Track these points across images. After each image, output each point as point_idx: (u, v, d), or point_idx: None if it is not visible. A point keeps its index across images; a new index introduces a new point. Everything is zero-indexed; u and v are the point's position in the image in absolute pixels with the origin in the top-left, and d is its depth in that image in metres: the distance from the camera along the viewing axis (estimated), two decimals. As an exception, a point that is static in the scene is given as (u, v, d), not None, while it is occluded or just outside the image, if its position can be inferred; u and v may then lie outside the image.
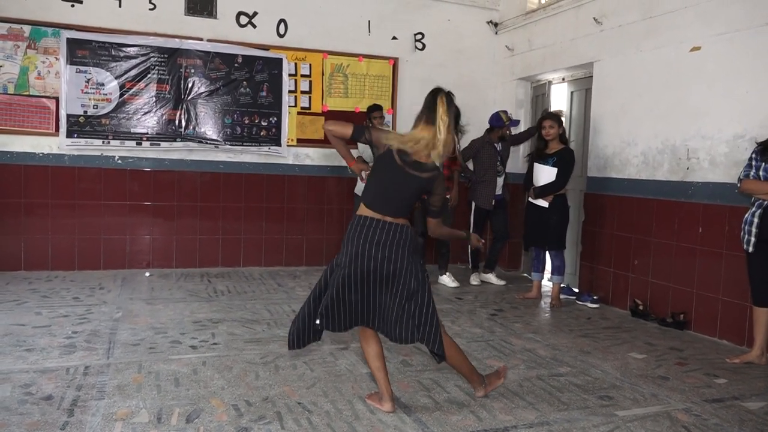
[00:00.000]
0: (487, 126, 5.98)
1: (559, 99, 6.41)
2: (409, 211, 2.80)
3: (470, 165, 6.09)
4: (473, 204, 5.94)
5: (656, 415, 2.91)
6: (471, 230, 5.95)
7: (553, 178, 5.05)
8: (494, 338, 4.14)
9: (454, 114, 2.77)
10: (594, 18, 5.45)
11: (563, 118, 5.33)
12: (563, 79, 6.31)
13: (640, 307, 4.86)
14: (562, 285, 5.37)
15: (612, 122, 5.31)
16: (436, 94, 2.73)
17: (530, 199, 5.29)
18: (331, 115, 6.48)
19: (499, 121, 5.79)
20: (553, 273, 5.31)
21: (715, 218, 4.34)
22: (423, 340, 2.68)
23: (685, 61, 4.59)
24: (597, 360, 3.74)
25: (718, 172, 4.33)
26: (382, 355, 2.87)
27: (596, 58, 5.49)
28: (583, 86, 5.97)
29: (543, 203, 5.13)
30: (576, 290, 5.64)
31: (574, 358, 3.75)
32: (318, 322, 2.66)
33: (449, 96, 2.74)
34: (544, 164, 5.11)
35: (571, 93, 6.21)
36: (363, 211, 2.72)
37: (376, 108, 5.93)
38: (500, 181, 5.92)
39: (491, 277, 6.08)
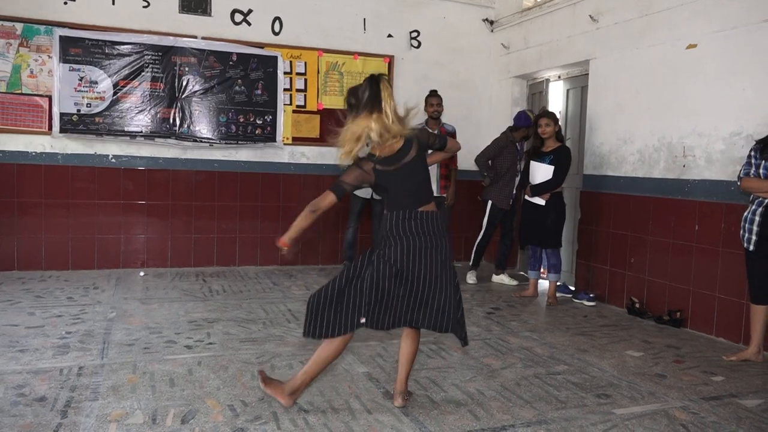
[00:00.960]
0: (506, 125, 5.97)
1: (556, 97, 6.40)
2: (432, 192, 2.84)
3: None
4: (489, 203, 5.89)
5: (654, 413, 2.90)
6: (484, 230, 5.93)
7: (550, 176, 5.04)
8: (491, 337, 4.13)
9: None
10: (590, 15, 5.44)
11: (559, 117, 5.31)
12: (559, 76, 6.30)
13: (637, 305, 4.86)
14: (558, 283, 5.36)
15: (608, 120, 5.30)
16: (377, 80, 2.67)
17: (527, 197, 5.27)
18: (326, 114, 6.46)
19: (527, 121, 5.70)
20: (549, 271, 5.30)
21: (711, 216, 4.34)
22: (456, 331, 2.79)
23: (681, 58, 4.58)
24: (594, 358, 3.73)
25: (714, 170, 4.33)
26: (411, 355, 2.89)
27: (592, 55, 5.48)
28: (579, 84, 5.96)
29: (540, 201, 5.12)
30: (572, 288, 5.64)
31: (571, 357, 3.74)
32: (363, 321, 2.65)
33: (385, 79, 2.72)
34: (540, 162, 5.10)
35: (567, 91, 6.20)
36: (400, 208, 2.73)
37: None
38: (516, 180, 5.89)
39: (504, 278, 6.04)
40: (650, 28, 4.86)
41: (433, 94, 5.77)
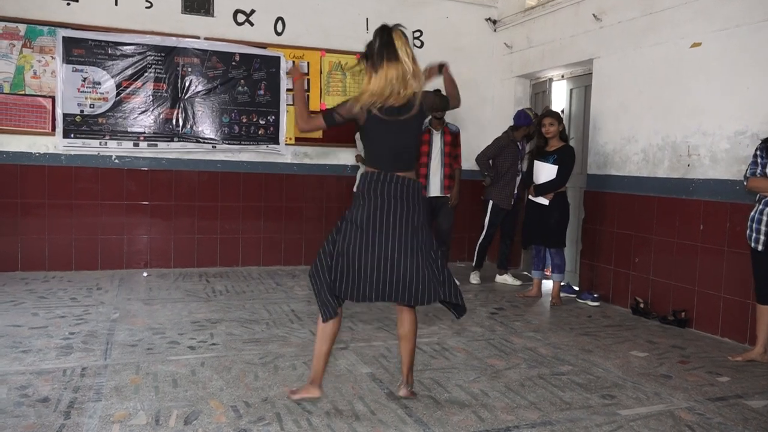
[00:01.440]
0: (505, 125, 5.95)
1: (559, 96, 6.39)
2: (414, 160, 2.80)
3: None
4: (490, 203, 5.87)
5: (659, 414, 2.88)
6: (485, 230, 5.91)
7: (554, 176, 5.02)
8: (495, 337, 4.11)
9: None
10: (593, 14, 5.42)
11: (562, 117, 5.30)
12: (562, 76, 6.28)
13: (641, 305, 4.84)
14: (562, 283, 5.35)
15: (612, 119, 5.28)
16: (388, 30, 2.64)
17: (530, 197, 5.26)
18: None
19: (527, 119, 5.70)
20: (553, 271, 5.28)
21: (716, 215, 4.32)
22: (447, 296, 2.74)
23: (685, 57, 4.56)
24: (599, 358, 3.71)
25: (719, 169, 4.30)
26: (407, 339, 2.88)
27: (596, 54, 5.46)
28: (583, 83, 5.94)
29: (543, 201, 5.11)
30: (576, 288, 5.62)
31: (575, 357, 3.72)
32: (338, 295, 2.66)
33: (401, 29, 2.68)
34: (544, 162, 5.09)
35: (571, 90, 6.18)
36: (373, 169, 2.70)
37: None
38: (518, 180, 5.87)
39: (507, 278, 6.02)
40: (654, 27, 4.84)
41: (436, 94, 5.74)
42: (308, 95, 6.44)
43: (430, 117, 5.77)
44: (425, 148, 5.70)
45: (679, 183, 4.61)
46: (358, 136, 5.39)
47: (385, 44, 2.62)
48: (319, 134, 6.46)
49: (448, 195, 5.76)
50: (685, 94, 4.57)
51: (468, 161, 6.32)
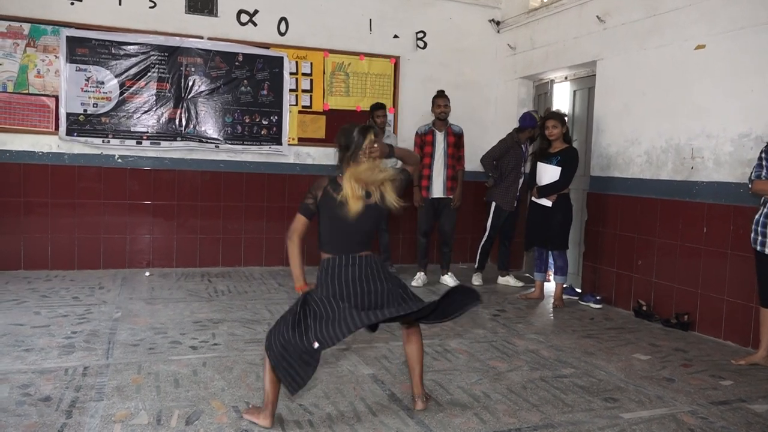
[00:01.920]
0: (512, 126, 5.96)
1: (562, 98, 6.37)
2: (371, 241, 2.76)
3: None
4: (493, 204, 5.86)
5: (662, 418, 2.87)
6: (488, 231, 5.90)
7: (557, 178, 5.01)
8: (497, 339, 4.10)
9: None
10: (597, 16, 5.41)
11: (566, 118, 5.28)
12: (566, 77, 6.27)
13: (644, 308, 4.82)
14: (564, 285, 5.33)
15: (615, 121, 5.27)
16: (364, 132, 2.66)
17: (533, 199, 5.25)
18: (332, 114, 6.46)
19: (532, 121, 5.69)
20: (556, 273, 5.27)
21: (720, 218, 4.30)
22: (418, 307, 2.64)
23: (689, 59, 4.55)
24: (601, 361, 3.70)
25: (723, 172, 4.29)
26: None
27: (599, 56, 5.45)
28: (586, 85, 5.93)
29: (546, 203, 5.10)
30: (579, 290, 5.60)
31: (577, 360, 3.71)
32: (316, 345, 2.43)
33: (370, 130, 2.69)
34: (547, 163, 5.08)
35: (574, 92, 6.17)
36: (335, 253, 2.65)
37: (378, 107, 5.92)
38: (521, 182, 5.87)
39: (509, 279, 6.01)
40: (658, 29, 4.83)
41: (441, 94, 5.76)
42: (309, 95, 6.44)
43: (434, 118, 5.77)
44: (428, 149, 5.70)
45: (683, 185, 4.59)
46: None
47: (359, 146, 2.63)
48: (321, 135, 6.46)
49: (451, 196, 5.75)
50: (689, 97, 4.56)
51: (471, 162, 6.31)
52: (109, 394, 2.87)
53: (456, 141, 5.76)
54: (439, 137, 5.69)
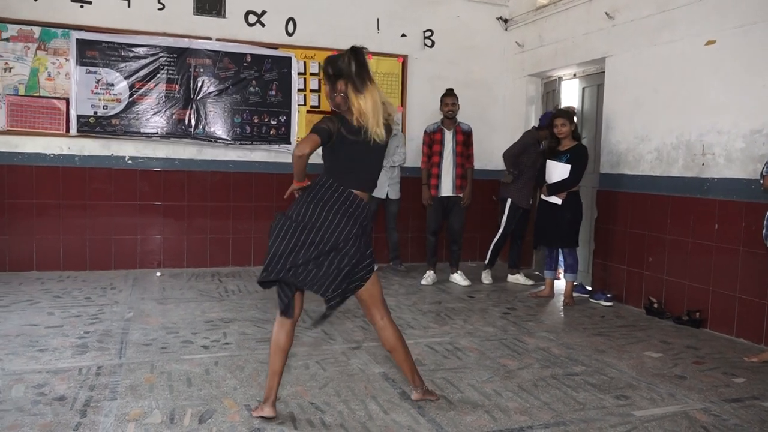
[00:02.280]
0: (534, 124, 5.96)
1: (570, 95, 6.35)
2: (374, 187, 2.77)
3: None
4: (508, 201, 5.83)
5: (674, 415, 2.86)
6: (503, 229, 5.87)
7: (566, 175, 5.00)
8: (507, 337, 4.10)
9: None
10: (606, 13, 5.38)
11: (575, 116, 5.26)
12: (574, 75, 6.25)
13: (655, 305, 4.80)
14: (575, 283, 5.32)
15: (625, 118, 5.25)
16: (362, 52, 2.60)
17: (543, 197, 5.24)
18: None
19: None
20: (566, 271, 5.26)
21: (731, 214, 4.28)
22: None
23: (700, 55, 4.52)
24: (612, 359, 3.69)
25: (734, 168, 4.26)
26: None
27: (608, 53, 5.43)
28: (595, 82, 5.91)
29: (556, 200, 5.08)
30: (589, 288, 5.58)
31: (588, 357, 3.70)
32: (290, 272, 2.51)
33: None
34: (557, 161, 5.06)
35: (583, 89, 6.14)
36: (347, 185, 2.63)
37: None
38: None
39: (519, 278, 6.00)
40: (668, 25, 4.80)
41: (449, 93, 5.75)
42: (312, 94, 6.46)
43: (442, 117, 5.77)
44: (437, 148, 5.69)
45: (694, 182, 4.57)
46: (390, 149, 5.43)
47: (363, 65, 2.58)
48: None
49: (461, 195, 5.74)
50: (700, 93, 4.53)
51: (479, 160, 6.30)
52: (122, 394, 2.89)
53: (465, 139, 5.75)
54: (448, 136, 5.69)
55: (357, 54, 2.60)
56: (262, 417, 2.66)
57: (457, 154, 5.70)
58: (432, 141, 5.72)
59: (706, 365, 3.63)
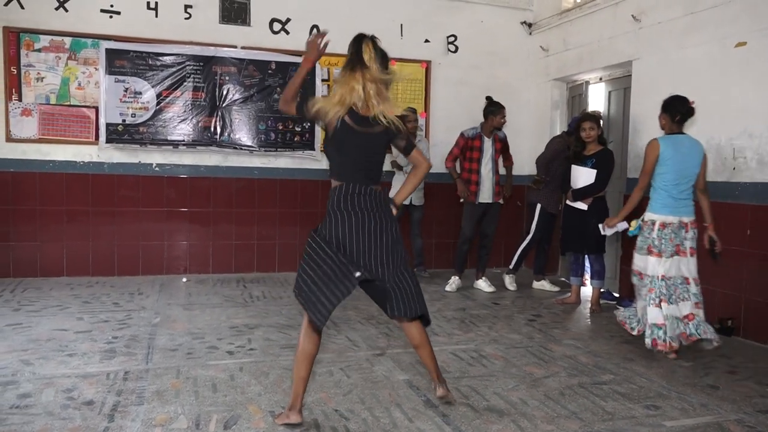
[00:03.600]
0: (563, 130, 5.92)
1: (597, 99, 6.27)
2: (380, 176, 2.77)
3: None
4: (538, 207, 5.76)
5: (707, 426, 2.79)
6: (532, 234, 5.80)
7: (592, 180, 4.93)
8: (533, 344, 4.05)
9: (381, 57, 2.64)
10: (632, 15, 5.31)
11: (601, 120, 5.19)
12: (600, 78, 6.17)
13: (685, 313, 4.68)
14: (602, 290, 5.23)
15: (652, 122, 5.13)
16: (360, 39, 2.63)
17: (568, 202, 5.17)
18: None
19: None
20: (592, 277, 5.18)
21: (764, 220, 4.17)
22: (421, 311, 2.73)
23: (729, 57, 4.43)
24: (641, 367, 3.61)
25: (766, 172, 4.16)
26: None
27: (635, 56, 5.35)
28: (622, 85, 5.83)
29: (582, 206, 5.02)
30: (617, 295, 5.49)
31: (617, 366, 3.64)
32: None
33: (374, 40, 2.65)
34: (582, 166, 5.00)
35: (609, 93, 6.06)
36: (347, 181, 2.66)
37: (410, 111, 5.91)
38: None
39: (545, 284, 5.93)
40: (696, 27, 4.71)
41: (502, 106, 5.63)
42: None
43: (487, 126, 5.66)
44: (475, 155, 5.65)
45: (725, 186, 4.47)
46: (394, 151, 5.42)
47: (356, 53, 2.61)
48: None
49: (499, 201, 5.75)
50: (730, 95, 4.43)
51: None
52: (149, 399, 2.92)
53: (502, 147, 5.78)
54: (487, 143, 5.65)
55: (353, 42, 2.65)
56: (287, 424, 2.66)
57: (496, 162, 5.70)
58: (470, 147, 5.66)
59: (739, 375, 3.54)
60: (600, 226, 4.51)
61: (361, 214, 2.64)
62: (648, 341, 3.81)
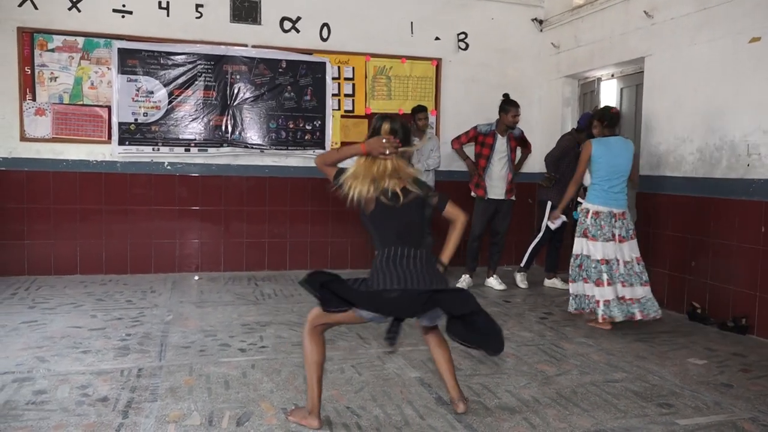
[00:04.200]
0: (573, 127, 5.93)
1: (608, 96, 6.23)
2: (423, 237, 2.73)
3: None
4: (548, 204, 5.74)
5: (720, 425, 2.77)
6: (543, 232, 5.79)
7: (604, 178, 4.91)
8: (545, 342, 4.03)
9: (403, 132, 2.70)
10: (644, 11, 5.27)
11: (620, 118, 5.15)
12: (612, 75, 6.13)
13: (699, 311, 4.66)
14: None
15: (665, 119, 5.12)
16: (380, 120, 2.74)
17: (580, 200, 5.13)
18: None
19: None
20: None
21: (779, 217, 4.13)
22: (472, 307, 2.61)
23: (743, 53, 4.38)
24: (654, 366, 3.59)
25: (781, 169, 4.12)
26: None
27: (647, 52, 5.31)
28: (634, 82, 5.78)
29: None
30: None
31: (629, 364, 3.62)
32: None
33: (393, 120, 2.73)
34: (593, 163, 4.98)
35: (621, 89, 6.02)
36: (389, 246, 2.65)
37: (420, 109, 5.90)
38: None
39: (557, 282, 5.91)
40: (709, 23, 4.67)
41: (516, 103, 5.61)
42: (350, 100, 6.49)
43: (500, 124, 5.65)
44: (486, 151, 5.64)
45: (738, 184, 4.43)
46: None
47: (374, 133, 2.70)
48: (364, 138, 6.48)
49: (512, 198, 5.73)
50: (744, 92, 4.39)
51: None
52: (162, 395, 2.95)
53: (517, 144, 5.80)
54: (500, 141, 5.64)
55: (376, 121, 2.77)
56: (299, 424, 2.66)
57: (510, 160, 5.68)
58: (482, 142, 5.65)
59: (753, 373, 3.50)
60: (548, 222, 5.11)
61: (408, 271, 2.57)
62: (571, 309, 4.50)
